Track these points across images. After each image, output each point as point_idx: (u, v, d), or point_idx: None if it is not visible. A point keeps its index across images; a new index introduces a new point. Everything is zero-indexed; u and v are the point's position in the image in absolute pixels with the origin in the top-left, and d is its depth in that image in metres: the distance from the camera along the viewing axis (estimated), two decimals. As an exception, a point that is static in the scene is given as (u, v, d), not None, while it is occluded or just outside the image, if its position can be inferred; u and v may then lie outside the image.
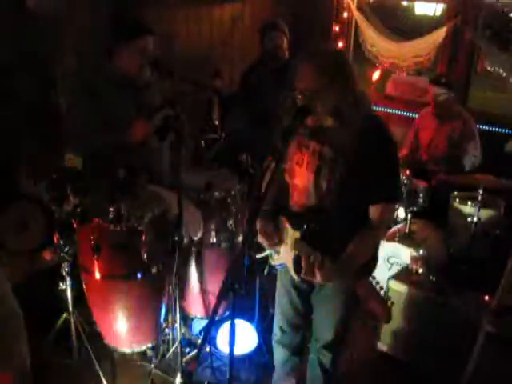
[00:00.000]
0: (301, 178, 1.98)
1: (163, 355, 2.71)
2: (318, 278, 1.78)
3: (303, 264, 1.81)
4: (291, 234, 1.95)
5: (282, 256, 2.07)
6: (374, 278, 1.76)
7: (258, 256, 2.21)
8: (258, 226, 2.03)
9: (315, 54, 1.85)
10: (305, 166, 1.95)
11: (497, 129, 4.28)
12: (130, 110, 2.53)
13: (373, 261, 2.07)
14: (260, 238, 2.05)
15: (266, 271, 2.30)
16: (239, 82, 3.78)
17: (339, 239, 1.86)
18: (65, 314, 2.61)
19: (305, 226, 1.89)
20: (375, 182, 1.83)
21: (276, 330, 2.34)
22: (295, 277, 1.97)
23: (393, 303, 1.72)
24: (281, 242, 2.03)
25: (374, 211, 1.89)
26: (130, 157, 2.51)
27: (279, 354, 2.38)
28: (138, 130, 2.47)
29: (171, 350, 2.66)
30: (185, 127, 2.29)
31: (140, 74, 2.57)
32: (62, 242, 2.44)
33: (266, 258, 2.21)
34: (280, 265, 2.14)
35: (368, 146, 1.80)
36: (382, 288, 1.71)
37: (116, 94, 2.49)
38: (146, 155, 2.61)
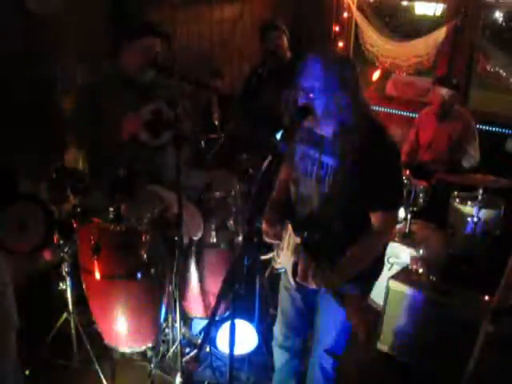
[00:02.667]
0: (305, 186, 1.99)
1: (163, 355, 2.71)
2: (311, 283, 1.78)
3: (298, 268, 1.82)
4: (293, 239, 1.96)
5: (283, 260, 2.07)
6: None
7: (262, 258, 2.21)
8: (264, 216, 2.05)
9: (324, 54, 1.84)
10: (308, 174, 1.96)
11: (497, 129, 4.28)
12: (132, 110, 2.53)
13: (377, 269, 2.08)
14: (263, 228, 2.06)
15: (267, 273, 2.30)
16: (241, 86, 3.79)
17: (340, 247, 1.86)
18: (65, 314, 2.61)
19: (306, 233, 1.89)
20: (377, 191, 1.82)
21: (277, 334, 2.32)
22: (292, 282, 1.97)
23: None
24: (281, 232, 2.04)
25: (374, 219, 1.89)
26: (133, 156, 2.51)
27: (279, 357, 2.36)
28: (128, 126, 2.46)
29: (171, 350, 2.66)
30: (184, 126, 2.29)
31: (142, 75, 2.56)
32: (61, 242, 2.44)
33: (270, 260, 2.21)
34: (281, 268, 2.14)
35: (371, 155, 1.79)
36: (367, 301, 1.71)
37: (118, 94, 2.49)
38: (149, 155, 2.61)
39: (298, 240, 1.91)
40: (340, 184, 1.85)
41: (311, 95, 1.79)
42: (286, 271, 2.10)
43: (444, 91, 3.64)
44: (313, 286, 1.79)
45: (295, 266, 1.90)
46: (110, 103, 2.47)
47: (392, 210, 1.96)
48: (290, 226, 2.01)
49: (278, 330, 2.32)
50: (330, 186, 1.89)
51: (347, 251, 1.85)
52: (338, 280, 1.80)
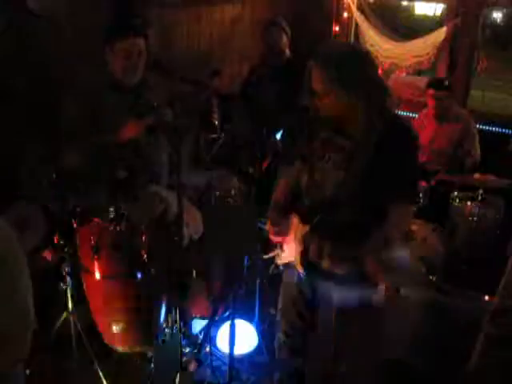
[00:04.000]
0: (319, 171, 1.98)
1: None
2: (325, 263, 1.78)
3: (311, 249, 1.83)
4: (300, 229, 1.96)
5: (289, 253, 2.08)
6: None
7: (265, 256, 2.22)
8: (268, 217, 2.08)
9: (320, 53, 1.85)
10: (325, 160, 1.95)
11: (497, 129, 4.28)
12: (123, 112, 2.52)
13: None
14: (268, 228, 2.08)
15: (271, 271, 2.30)
16: (241, 86, 3.79)
17: (350, 234, 1.86)
18: (65, 314, 2.61)
19: (317, 218, 1.90)
20: (394, 181, 1.81)
21: (279, 333, 2.33)
22: (301, 270, 1.98)
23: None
24: (287, 231, 2.05)
25: (391, 211, 1.88)
26: (129, 157, 2.50)
27: (281, 356, 2.37)
28: (128, 131, 2.45)
29: (171, 350, 2.66)
30: (183, 127, 2.28)
31: (126, 77, 2.50)
32: (62, 242, 2.44)
33: (272, 258, 2.22)
34: (286, 264, 2.14)
35: (390, 144, 1.80)
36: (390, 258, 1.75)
37: (110, 96, 2.48)
38: (144, 155, 2.61)
39: (306, 228, 1.93)
40: (356, 170, 1.85)
41: (320, 94, 1.80)
42: (288, 268, 2.11)
43: (436, 94, 3.65)
44: (325, 266, 1.80)
45: (303, 253, 1.92)
46: (106, 104, 2.47)
47: (409, 204, 1.97)
48: (295, 218, 2.01)
49: (280, 329, 2.32)
50: (346, 171, 1.89)
51: (365, 243, 1.84)
52: (350, 262, 1.80)
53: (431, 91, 3.67)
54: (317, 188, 2.00)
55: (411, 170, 1.90)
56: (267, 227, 2.09)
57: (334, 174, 1.92)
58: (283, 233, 2.08)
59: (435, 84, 3.67)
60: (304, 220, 1.96)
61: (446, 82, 3.67)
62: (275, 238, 2.11)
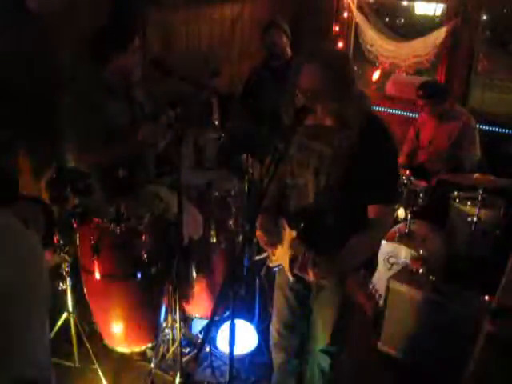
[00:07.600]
0: (300, 178, 1.99)
1: (163, 355, 2.71)
2: (311, 275, 1.78)
3: (297, 261, 1.82)
4: (289, 233, 1.96)
5: (279, 257, 2.07)
6: (367, 278, 1.76)
7: (257, 258, 2.21)
8: (257, 223, 2.03)
9: (319, 53, 1.85)
10: (305, 165, 1.96)
11: (497, 129, 4.28)
12: (125, 118, 2.53)
13: (371, 263, 2.08)
14: (259, 236, 2.05)
15: (263, 272, 2.29)
16: (242, 86, 3.79)
17: (337, 238, 1.86)
18: (65, 314, 2.61)
19: (301, 225, 1.90)
20: (374, 183, 1.83)
21: (273, 333, 2.32)
22: (291, 278, 1.97)
23: (380, 298, 1.74)
24: (279, 241, 2.03)
25: (372, 212, 1.89)
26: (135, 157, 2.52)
27: (277, 357, 2.36)
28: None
29: (171, 350, 2.66)
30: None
31: (133, 73, 2.56)
32: (61, 242, 2.44)
33: (265, 260, 2.21)
34: (277, 266, 2.14)
35: (368, 146, 1.81)
36: (371, 283, 1.72)
37: (111, 102, 2.49)
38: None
39: (294, 234, 1.92)
40: (337, 175, 1.86)
41: (311, 94, 1.79)
42: (281, 269, 2.10)
43: (426, 103, 3.66)
44: (311, 278, 1.79)
45: (292, 260, 1.91)
46: (107, 103, 2.47)
47: (390, 204, 1.97)
48: (284, 222, 2.00)
49: (274, 328, 2.32)
50: (326, 178, 1.89)
51: (347, 243, 1.85)
52: (336, 271, 1.80)
53: (420, 102, 3.69)
54: (299, 193, 2.00)
55: (390, 171, 1.90)
56: (257, 233, 2.07)
57: (315, 180, 1.93)
58: (272, 243, 2.05)
59: (422, 94, 3.67)
60: (291, 225, 1.96)
61: (434, 89, 3.69)
62: (265, 246, 2.10)
